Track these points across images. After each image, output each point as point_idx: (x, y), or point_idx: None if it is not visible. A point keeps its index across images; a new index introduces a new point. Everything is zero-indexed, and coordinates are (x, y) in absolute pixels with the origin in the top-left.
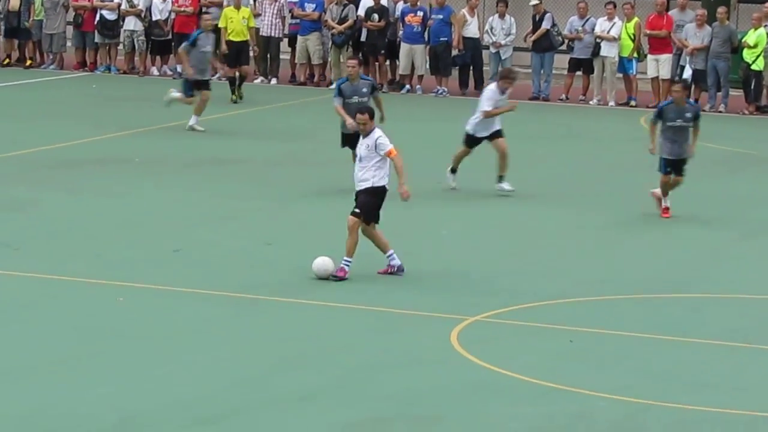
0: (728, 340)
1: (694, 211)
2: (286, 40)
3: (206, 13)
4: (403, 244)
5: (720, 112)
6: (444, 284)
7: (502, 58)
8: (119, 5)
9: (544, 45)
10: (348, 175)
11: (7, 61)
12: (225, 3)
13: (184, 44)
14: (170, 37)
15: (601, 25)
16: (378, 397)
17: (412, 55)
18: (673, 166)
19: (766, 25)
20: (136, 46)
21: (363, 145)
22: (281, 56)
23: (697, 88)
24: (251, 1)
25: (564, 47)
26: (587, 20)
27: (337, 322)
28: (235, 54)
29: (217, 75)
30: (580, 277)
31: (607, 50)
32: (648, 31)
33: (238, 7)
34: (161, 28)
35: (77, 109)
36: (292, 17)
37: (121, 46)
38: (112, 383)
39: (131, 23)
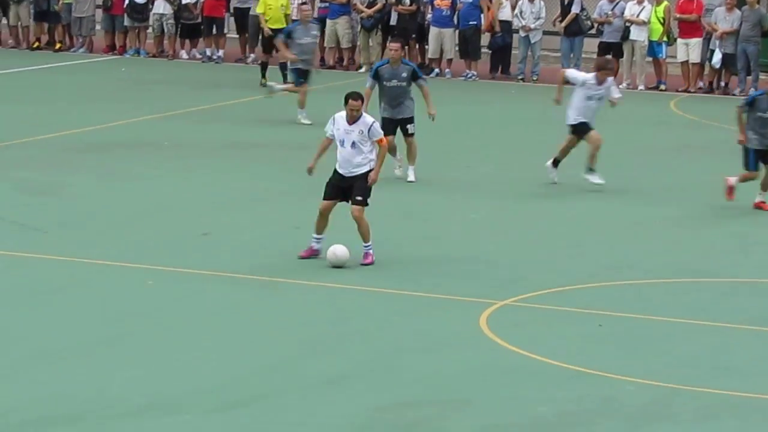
0: (757, 325)
1: (722, 197)
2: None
3: (304, 3)
4: (432, 229)
5: None
6: (473, 268)
7: (532, 42)
8: None
9: (574, 29)
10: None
11: (37, 44)
12: None
13: (279, 36)
14: (199, 20)
15: (631, 8)
16: (406, 381)
17: (441, 39)
18: (763, 157)
19: None
20: (166, 30)
21: (355, 131)
22: None
23: (727, 72)
24: None
25: (593, 31)
26: (616, 4)
27: (366, 306)
28: (270, 40)
29: (252, 58)
30: (610, 261)
31: (637, 34)
32: (677, 15)
33: None
34: (190, 12)
35: (106, 92)
36: (321, 0)
37: (150, 30)
38: (140, 366)
39: (160, 6)
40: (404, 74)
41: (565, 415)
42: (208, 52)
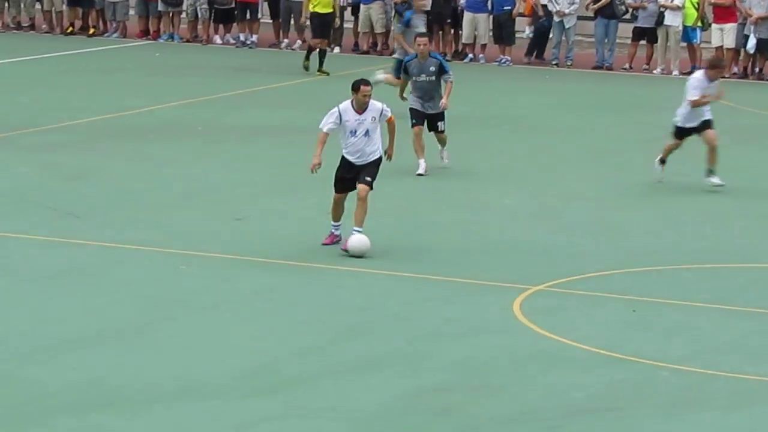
0: None
1: (756, 182)
2: (349, 8)
3: None
4: (465, 215)
5: None
6: (507, 254)
7: (566, 27)
8: None
9: (608, 14)
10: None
11: (71, 29)
12: None
13: (398, 26)
14: (233, 5)
15: None
16: (440, 366)
17: (476, 24)
18: None
19: None
20: (199, 15)
21: (367, 119)
22: (344, 25)
23: (762, 57)
24: None
25: (628, 16)
26: None
27: (399, 291)
28: (320, 26)
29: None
30: (643, 246)
31: (671, 19)
32: (712, 0)
33: None
34: None
35: (140, 77)
36: None
37: (184, 15)
38: (172, 351)
39: None
40: (432, 68)
41: (599, 400)
42: (242, 37)
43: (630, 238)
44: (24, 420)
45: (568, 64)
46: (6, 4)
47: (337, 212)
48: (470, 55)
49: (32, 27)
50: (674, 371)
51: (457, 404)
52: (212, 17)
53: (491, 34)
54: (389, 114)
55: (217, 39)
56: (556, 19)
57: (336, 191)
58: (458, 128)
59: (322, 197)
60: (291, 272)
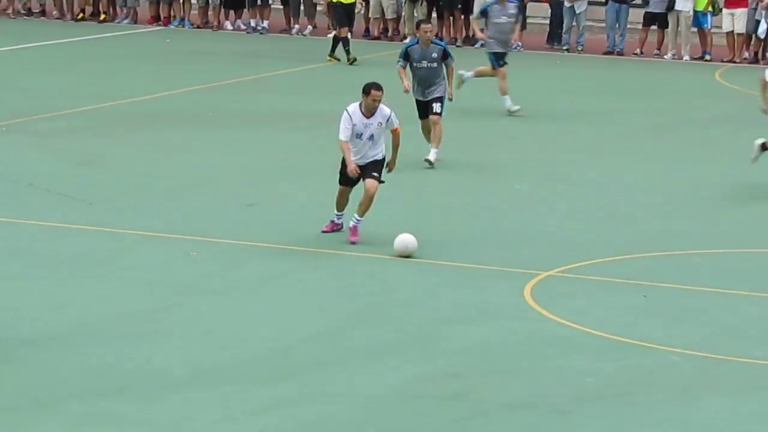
0: None
1: (766, 167)
2: None
3: None
4: (476, 200)
5: None
6: (517, 239)
7: (577, 12)
8: None
9: None
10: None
11: (82, 15)
12: None
13: (475, 13)
14: None
15: None
16: (451, 351)
17: None
18: None
19: None
20: (210, 0)
21: (374, 124)
22: (355, 11)
23: None
24: None
25: (639, 1)
26: None
27: (410, 276)
28: (345, 14)
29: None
30: (654, 232)
31: (682, 4)
32: None
33: None
34: None
35: (151, 63)
36: None
37: (194, 0)
38: (184, 337)
39: None
40: (434, 54)
41: (610, 385)
42: (253, 23)
43: (641, 223)
44: (35, 406)
45: (579, 49)
46: None
47: (341, 202)
48: (481, 41)
49: (43, 13)
50: (685, 356)
51: (468, 389)
52: (223, 3)
53: None
54: (395, 124)
55: (228, 25)
56: (567, 4)
57: (341, 184)
58: (468, 115)
59: (332, 183)
60: (302, 258)
